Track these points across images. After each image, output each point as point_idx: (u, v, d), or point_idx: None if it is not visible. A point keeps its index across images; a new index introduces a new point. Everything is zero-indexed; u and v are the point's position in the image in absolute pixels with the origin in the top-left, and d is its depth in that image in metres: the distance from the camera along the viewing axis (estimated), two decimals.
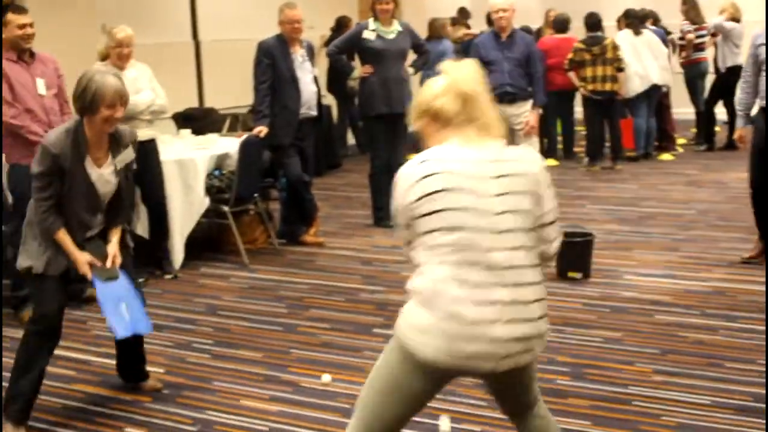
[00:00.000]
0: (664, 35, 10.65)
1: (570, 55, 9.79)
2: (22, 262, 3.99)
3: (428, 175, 2.68)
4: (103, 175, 3.98)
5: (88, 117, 3.85)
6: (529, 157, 2.81)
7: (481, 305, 2.61)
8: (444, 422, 3.82)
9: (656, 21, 11.08)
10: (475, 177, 2.67)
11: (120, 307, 4.02)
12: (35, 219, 3.92)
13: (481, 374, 2.79)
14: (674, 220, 7.47)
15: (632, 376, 4.34)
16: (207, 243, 7.12)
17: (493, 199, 2.66)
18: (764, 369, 4.30)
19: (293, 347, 4.92)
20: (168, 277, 6.34)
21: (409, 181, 2.73)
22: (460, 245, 2.63)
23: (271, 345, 4.97)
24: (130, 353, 4.38)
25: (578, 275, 5.91)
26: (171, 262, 6.42)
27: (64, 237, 3.91)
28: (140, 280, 6.13)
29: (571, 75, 9.86)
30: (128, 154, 4.08)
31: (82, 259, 3.94)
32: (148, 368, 4.48)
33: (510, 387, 2.90)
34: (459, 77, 2.77)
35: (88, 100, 3.81)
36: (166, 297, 5.94)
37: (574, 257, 5.96)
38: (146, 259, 6.37)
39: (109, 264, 4.04)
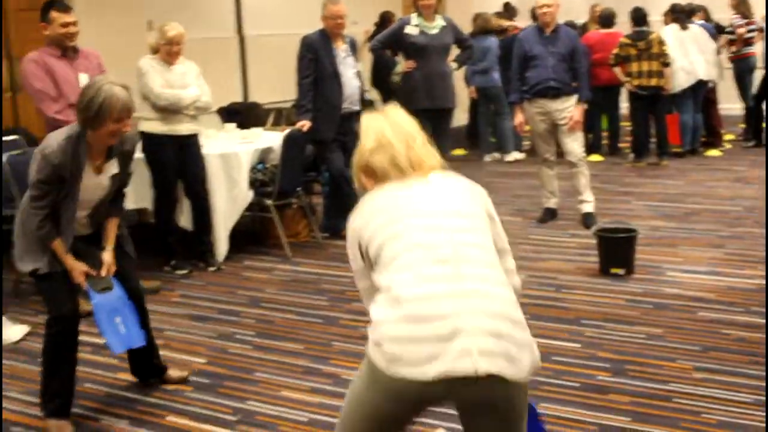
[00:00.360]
0: (713, 30, 10.53)
1: (616, 50, 9.71)
2: (25, 266, 3.93)
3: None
4: (101, 182, 3.95)
5: (94, 130, 3.76)
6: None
7: None
8: None
9: (707, 16, 10.96)
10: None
11: (114, 321, 4.03)
12: (30, 226, 3.83)
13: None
14: (720, 216, 7.39)
15: (673, 373, 4.31)
16: (250, 236, 7.18)
17: None
18: None
19: (334, 340, 4.95)
20: (212, 269, 6.41)
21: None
22: None
23: (313, 337, 5.01)
24: (142, 351, 4.31)
25: (621, 271, 5.87)
26: (215, 254, 6.49)
27: (59, 246, 3.85)
28: (184, 271, 6.28)
29: (617, 70, 9.78)
30: (126, 163, 4.03)
31: (78, 268, 3.90)
32: (190, 358, 4.54)
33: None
34: (377, 127, 2.77)
35: (93, 111, 3.69)
36: (209, 289, 6.00)
37: (616, 253, 5.94)
38: (190, 251, 6.46)
39: (104, 273, 4.02)
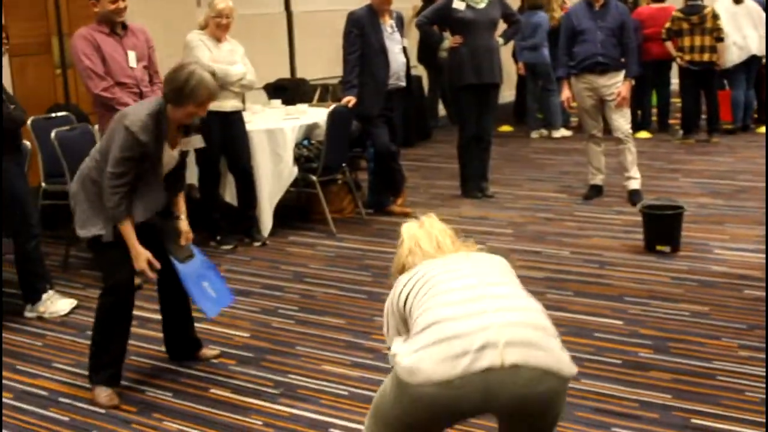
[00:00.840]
0: (765, 4, 10.32)
1: (668, 24, 9.56)
2: (87, 232, 3.96)
3: None
4: (173, 156, 4.04)
5: (175, 106, 3.84)
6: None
7: None
8: None
9: None
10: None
11: (203, 287, 4.16)
12: (108, 204, 3.84)
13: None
14: (764, 193, 7.27)
15: (717, 351, 4.27)
16: (295, 212, 7.23)
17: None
18: None
19: (377, 315, 4.96)
20: (257, 244, 6.46)
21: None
22: None
23: (355, 312, 5.03)
24: (178, 324, 4.41)
25: (666, 248, 5.82)
26: (260, 229, 6.54)
27: (128, 228, 3.88)
28: (229, 246, 6.33)
29: (669, 45, 9.64)
30: (197, 140, 4.13)
31: (144, 255, 3.92)
32: (234, 332, 4.59)
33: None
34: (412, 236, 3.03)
35: (184, 92, 3.77)
36: (253, 264, 6.06)
37: (662, 230, 5.88)
38: (235, 226, 6.52)
39: (183, 242, 4.13)
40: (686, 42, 9.47)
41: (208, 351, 4.49)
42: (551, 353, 2.50)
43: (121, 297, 4.02)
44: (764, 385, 3.87)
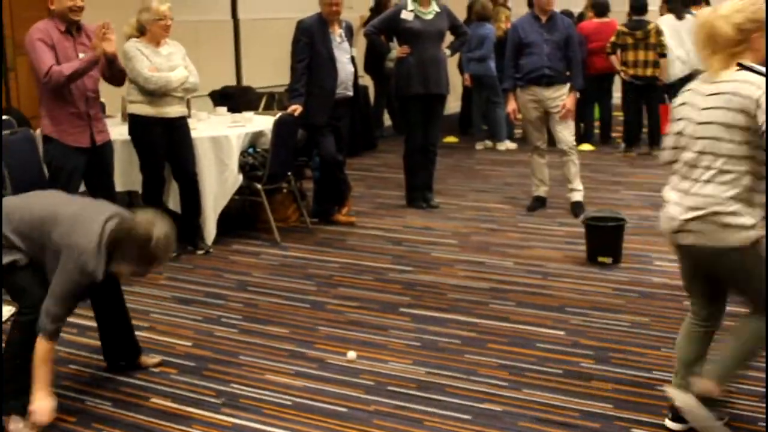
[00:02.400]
0: None
1: (613, 38, 9.68)
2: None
3: None
4: None
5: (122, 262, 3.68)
6: None
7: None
8: (351, 354, 4.38)
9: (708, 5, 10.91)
10: None
11: None
12: (45, 325, 3.60)
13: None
14: None
15: (657, 361, 4.32)
16: (240, 220, 7.18)
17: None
18: None
19: (320, 324, 4.96)
20: (200, 252, 6.41)
21: None
22: None
23: (299, 321, 5.01)
24: (116, 332, 4.32)
25: (608, 260, 5.89)
26: (203, 237, 6.48)
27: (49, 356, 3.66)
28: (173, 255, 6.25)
29: (613, 58, 9.76)
30: None
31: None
32: (176, 341, 4.55)
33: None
34: None
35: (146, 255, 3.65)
36: (197, 272, 6.00)
37: (604, 242, 5.95)
38: (178, 234, 6.42)
39: None
40: (630, 56, 9.61)
41: (149, 359, 4.42)
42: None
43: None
44: None
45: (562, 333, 4.72)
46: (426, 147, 7.57)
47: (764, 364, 4.17)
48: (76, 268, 3.58)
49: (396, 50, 7.73)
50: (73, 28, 5.43)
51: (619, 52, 9.70)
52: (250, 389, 4.13)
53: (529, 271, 5.83)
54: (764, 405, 3.81)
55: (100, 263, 3.61)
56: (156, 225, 3.69)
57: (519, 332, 4.75)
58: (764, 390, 3.93)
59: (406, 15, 7.36)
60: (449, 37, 7.76)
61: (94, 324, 4.74)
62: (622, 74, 9.79)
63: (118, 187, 6.03)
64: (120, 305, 4.26)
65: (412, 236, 6.79)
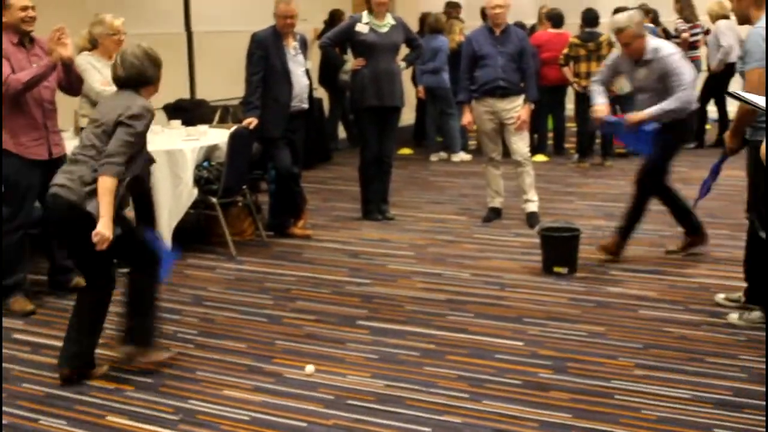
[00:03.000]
0: (654, 31, 10.64)
1: (565, 50, 9.79)
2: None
3: None
4: None
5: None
6: None
7: None
8: (309, 368, 4.37)
9: (656, 19, 11.06)
10: None
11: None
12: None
13: None
14: (662, 216, 7.44)
15: (614, 370, 4.35)
16: (195, 234, 7.13)
17: None
18: (744, 365, 4.33)
19: (278, 338, 4.93)
20: None
21: None
22: None
23: (256, 336, 4.97)
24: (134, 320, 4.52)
25: (564, 270, 5.92)
26: None
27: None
28: (126, 269, 6.19)
29: (566, 70, 9.86)
30: None
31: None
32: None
33: None
34: None
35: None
36: None
37: (560, 252, 5.99)
38: None
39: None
40: (583, 68, 9.70)
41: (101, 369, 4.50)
42: None
43: None
44: (661, 404, 3.96)
45: (520, 344, 4.74)
46: (381, 159, 7.57)
47: (660, 384, 4.23)
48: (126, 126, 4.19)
49: (351, 63, 7.73)
50: (25, 39, 5.37)
51: (571, 63, 9.80)
52: (207, 405, 4.09)
53: (486, 282, 5.85)
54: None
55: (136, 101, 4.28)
56: (134, 45, 4.46)
57: (477, 343, 4.76)
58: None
59: (361, 27, 7.37)
60: (404, 50, 7.78)
61: (48, 342, 4.71)
62: (574, 85, 9.89)
63: None
64: (150, 297, 4.51)
65: (368, 249, 6.78)
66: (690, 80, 5.92)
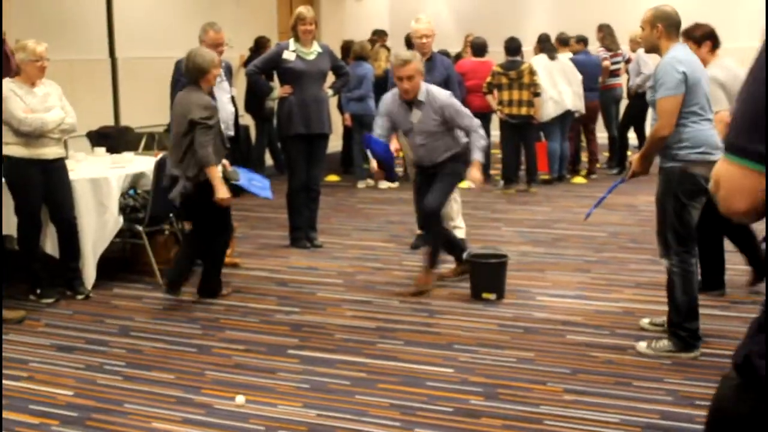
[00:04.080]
0: (599, 61, 10.85)
1: (488, 79, 9.93)
2: None
3: None
4: None
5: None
6: None
7: None
8: (239, 398, 4.34)
9: (585, 46, 11.25)
10: None
11: (253, 184, 6.44)
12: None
13: None
14: (586, 242, 7.61)
15: (543, 396, 4.40)
16: (120, 263, 7.03)
17: None
18: (671, 388, 4.42)
19: (207, 369, 4.87)
20: (79, 297, 6.21)
21: None
22: None
23: (185, 366, 4.91)
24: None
25: (492, 296, 5.98)
26: (83, 281, 6.29)
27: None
28: (49, 300, 6.07)
29: (489, 98, 10.00)
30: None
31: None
32: (56, 390, 4.39)
33: None
34: None
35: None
36: (76, 317, 5.83)
37: (488, 278, 6.04)
38: (56, 278, 6.26)
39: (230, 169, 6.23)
40: (505, 96, 9.84)
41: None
42: None
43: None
44: (589, 428, 4.01)
45: (450, 370, 4.76)
46: (309, 186, 7.57)
47: (588, 408, 4.30)
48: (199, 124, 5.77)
49: (277, 90, 7.72)
50: None
51: (495, 91, 9.94)
52: None
53: (415, 309, 5.87)
54: None
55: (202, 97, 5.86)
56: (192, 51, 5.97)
57: (408, 371, 4.77)
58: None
59: (288, 55, 7.37)
60: (330, 77, 7.80)
61: None
62: (498, 113, 10.02)
63: None
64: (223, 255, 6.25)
65: (297, 276, 6.75)
66: None
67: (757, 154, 1.64)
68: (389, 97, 6.30)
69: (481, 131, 6.17)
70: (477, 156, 6.08)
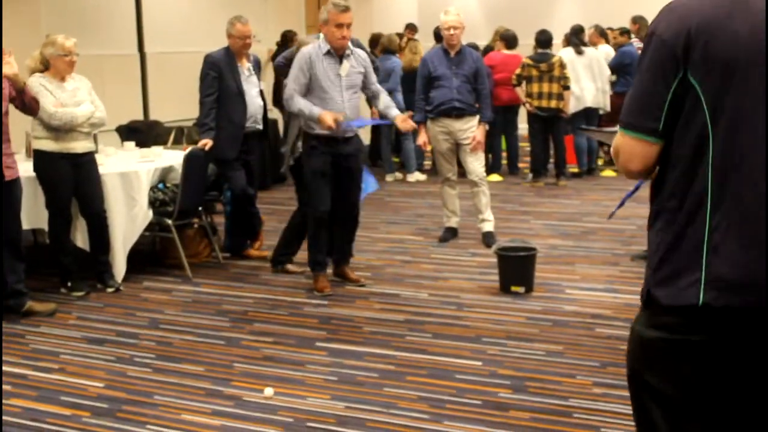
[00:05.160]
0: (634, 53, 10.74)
1: (518, 71, 9.87)
2: None
3: None
4: None
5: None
6: None
7: None
8: (268, 390, 4.35)
9: (629, 38, 11.15)
10: None
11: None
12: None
13: None
14: (616, 235, 7.56)
15: (573, 389, 4.38)
16: (150, 256, 7.07)
17: None
18: None
19: (236, 361, 4.89)
20: (110, 290, 6.26)
21: None
22: None
23: (214, 359, 4.93)
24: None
25: (521, 289, 5.96)
26: (113, 275, 6.34)
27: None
28: (80, 293, 6.12)
29: (519, 90, 9.94)
30: None
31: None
32: (87, 382, 4.43)
33: None
34: None
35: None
36: (107, 311, 5.87)
37: (516, 271, 6.02)
38: (87, 272, 6.31)
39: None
40: (535, 88, 9.79)
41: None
42: None
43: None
44: (619, 422, 3.99)
45: (479, 363, 4.75)
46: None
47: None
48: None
49: None
50: None
51: (524, 84, 9.89)
52: (166, 430, 4.04)
53: (443, 302, 5.86)
54: None
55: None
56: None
57: (437, 364, 4.76)
58: None
59: None
60: None
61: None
62: (527, 106, 9.96)
63: (24, 225, 5.87)
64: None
65: None
66: None
67: (646, 129, 2.14)
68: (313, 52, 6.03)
69: None
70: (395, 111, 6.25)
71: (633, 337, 2.28)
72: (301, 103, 5.95)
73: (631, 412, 4.01)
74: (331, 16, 5.89)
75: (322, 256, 6.21)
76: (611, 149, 2.28)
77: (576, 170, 10.48)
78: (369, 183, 6.54)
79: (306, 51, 6.03)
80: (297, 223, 6.59)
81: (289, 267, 6.68)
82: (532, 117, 9.99)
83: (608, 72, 10.38)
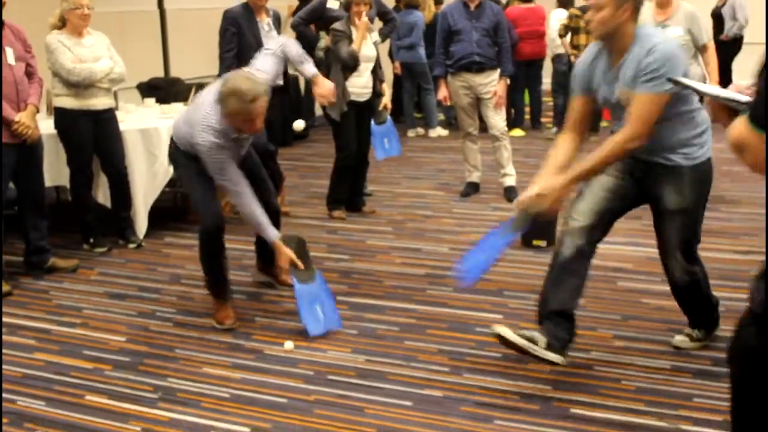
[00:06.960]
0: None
1: (565, 21, 9.63)
2: None
3: None
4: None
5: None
6: None
7: None
8: (288, 344, 4.40)
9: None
10: None
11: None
12: None
13: None
14: None
15: (593, 342, 4.37)
16: (171, 212, 7.09)
17: None
18: (722, 335, 4.35)
19: (257, 315, 4.91)
20: (132, 246, 6.29)
21: None
22: None
23: (236, 313, 4.95)
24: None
25: (543, 243, 5.93)
26: (134, 231, 6.37)
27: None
28: (102, 249, 6.16)
29: (564, 41, 9.70)
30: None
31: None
32: (110, 336, 4.46)
33: None
34: None
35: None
36: (129, 266, 5.90)
37: (538, 225, 5.97)
38: (109, 228, 6.33)
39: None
40: (582, 40, 9.45)
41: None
42: None
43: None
44: (640, 374, 3.98)
45: (500, 317, 4.74)
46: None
47: (639, 354, 4.25)
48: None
49: (324, 39, 7.66)
50: None
51: (569, 35, 9.66)
52: (187, 383, 4.07)
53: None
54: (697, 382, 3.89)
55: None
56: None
57: (457, 317, 4.76)
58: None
59: (333, 4, 7.32)
60: (378, 24, 7.72)
61: (25, 323, 4.68)
62: (572, 57, 9.72)
63: (46, 182, 5.89)
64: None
65: (346, 224, 6.76)
66: None
67: None
68: None
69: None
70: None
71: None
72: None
73: (651, 364, 4.02)
74: None
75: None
76: (729, 139, 2.00)
77: (605, 124, 10.38)
78: (393, 146, 6.61)
79: None
80: (341, 167, 6.97)
81: (335, 213, 7.00)
82: (557, 73, 9.84)
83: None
